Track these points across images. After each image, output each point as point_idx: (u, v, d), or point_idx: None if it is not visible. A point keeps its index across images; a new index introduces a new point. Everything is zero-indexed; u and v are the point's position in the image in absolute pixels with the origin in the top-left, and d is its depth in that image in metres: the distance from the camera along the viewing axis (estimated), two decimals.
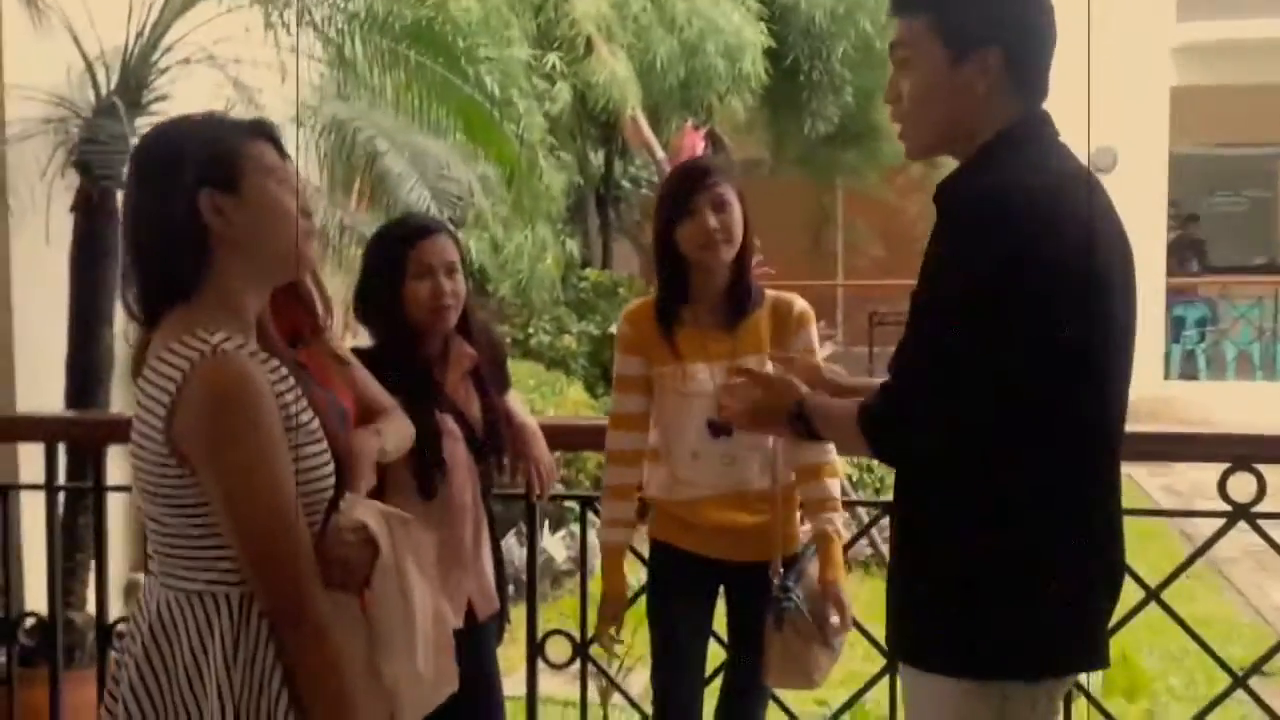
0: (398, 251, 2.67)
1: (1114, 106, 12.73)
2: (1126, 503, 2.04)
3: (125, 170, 4.43)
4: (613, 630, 2.91)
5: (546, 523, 7.02)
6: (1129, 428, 1.98)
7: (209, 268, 1.75)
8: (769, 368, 2.56)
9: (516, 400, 2.95)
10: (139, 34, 4.83)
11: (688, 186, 2.74)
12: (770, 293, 2.83)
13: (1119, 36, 12.52)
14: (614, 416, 2.86)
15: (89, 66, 4.79)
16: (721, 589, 2.87)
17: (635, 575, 3.05)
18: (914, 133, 1.97)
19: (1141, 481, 9.51)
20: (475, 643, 2.69)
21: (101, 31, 4.78)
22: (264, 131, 1.84)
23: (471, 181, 6.01)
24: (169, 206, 1.73)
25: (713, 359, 2.74)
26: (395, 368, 2.64)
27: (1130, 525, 2.05)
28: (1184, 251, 14.95)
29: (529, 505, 3.10)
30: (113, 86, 4.82)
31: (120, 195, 4.51)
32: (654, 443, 2.82)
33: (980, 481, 1.83)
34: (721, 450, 2.71)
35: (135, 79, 4.85)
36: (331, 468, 1.82)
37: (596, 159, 11.34)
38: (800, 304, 2.83)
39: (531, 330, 9.23)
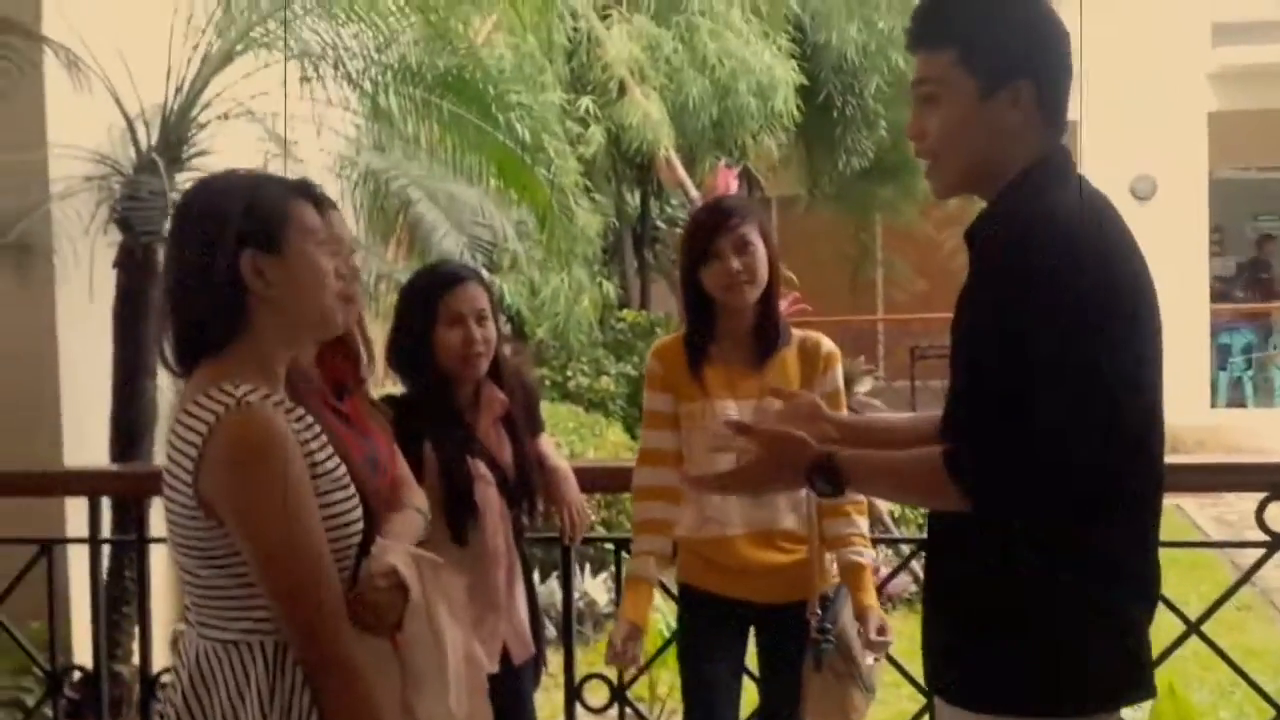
0: (428, 300, 2.70)
1: (1151, 133, 12.65)
2: (1171, 534, 2.01)
3: (166, 225, 4.48)
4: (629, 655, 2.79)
5: (588, 566, 7.01)
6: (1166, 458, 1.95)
7: (244, 325, 1.78)
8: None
9: (549, 444, 2.96)
10: (178, 90, 4.92)
11: (709, 228, 2.76)
12: (797, 331, 2.83)
13: (1154, 63, 12.46)
14: (643, 453, 2.86)
15: (129, 124, 4.88)
16: (752, 629, 2.86)
17: (672, 617, 3.03)
18: (944, 171, 1.93)
19: (1192, 513, 9.37)
20: (511, 687, 2.69)
21: (141, 89, 4.87)
22: (305, 191, 1.88)
23: (505, 226, 6.06)
24: (209, 265, 1.76)
25: (740, 397, 2.74)
26: (427, 414, 2.66)
27: (1181, 557, 2.02)
28: (1257, 272, 14.87)
29: (564, 549, 3.10)
30: (153, 143, 4.90)
31: (162, 250, 4.59)
32: (681, 481, 2.82)
33: (1023, 515, 1.79)
34: None
35: (175, 135, 4.93)
36: (359, 513, 1.84)
37: (633, 200, 11.40)
38: (828, 344, 2.82)
39: (570, 372, 9.25)
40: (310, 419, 1.81)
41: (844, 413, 2.72)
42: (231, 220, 1.76)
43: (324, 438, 1.81)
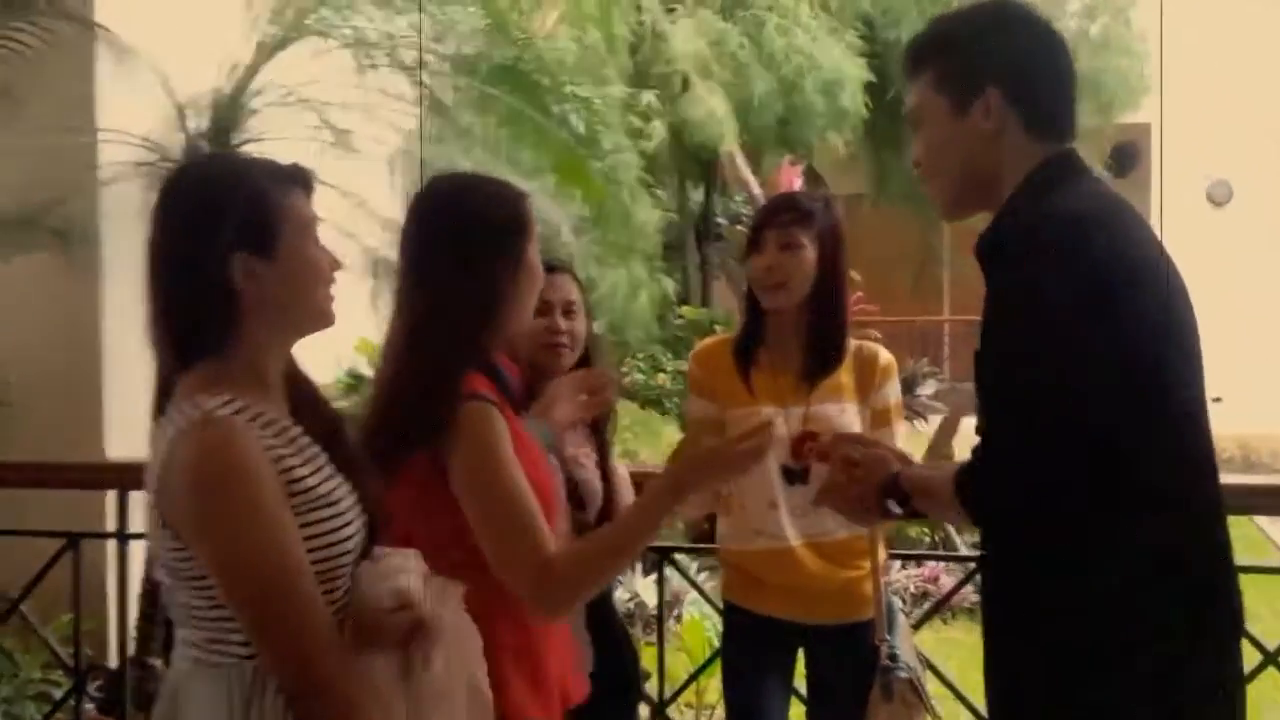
0: None
1: (1229, 138, 12.34)
2: (1246, 551, 1.85)
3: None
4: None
5: (639, 566, 6.88)
6: (1247, 479, 1.80)
7: (236, 328, 1.67)
8: (848, 415, 2.46)
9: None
10: (229, 76, 4.87)
11: (760, 221, 2.68)
12: (853, 341, 2.70)
13: (1233, 66, 12.15)
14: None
15: (179, 110, 4.83)
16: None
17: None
18: (938, 192, 1.94)
19: (1269, 529, 9.06)
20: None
21: (192, 76, 4.82)
22: (300, 179, 1.74)
23: (560, 220, 5.97)
24: (199, 267, 1.63)
25: (788, 404, 2.61)
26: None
27: (1256, 578, 1.86)
28: None
29: None
30: (203, 130, 4.85)
31: None
32: (726, 492, 2.68)
33: (1084, 541, 1.69)
34: (798, 498, 2.57)
35: (225, 122, 4.88)
36: (351, 530, 1.69)
37: (696, 196, 11.29)
38: (885, 355, 2.70)
39: (626, 369, 9.16)
40: (295, 433, 1.68)
41: (900, 427, 2.64)
42: (225, 217, 1.63)
43: (309, 452, 1.68)
